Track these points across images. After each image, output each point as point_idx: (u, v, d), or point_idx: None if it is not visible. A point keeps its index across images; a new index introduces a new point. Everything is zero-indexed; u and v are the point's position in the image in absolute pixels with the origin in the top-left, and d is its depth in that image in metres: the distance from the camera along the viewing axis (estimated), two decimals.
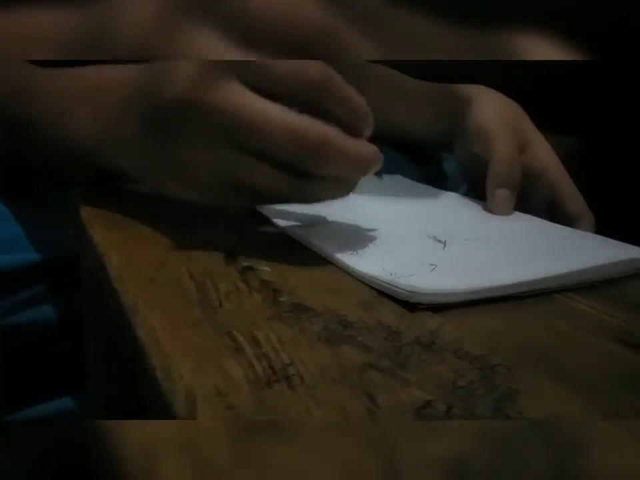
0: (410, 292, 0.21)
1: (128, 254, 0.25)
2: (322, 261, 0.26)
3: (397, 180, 0.45)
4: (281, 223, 0.30)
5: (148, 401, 0.17)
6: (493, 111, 0.39)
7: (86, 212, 0.32)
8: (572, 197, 0.38)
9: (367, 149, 0.25)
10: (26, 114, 0.33)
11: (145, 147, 0.28)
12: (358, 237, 0.28)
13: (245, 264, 0.25)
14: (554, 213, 0.38)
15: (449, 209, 0.37)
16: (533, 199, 0.38)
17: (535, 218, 0.35)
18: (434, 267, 0.24)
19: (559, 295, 0.25)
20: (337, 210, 0.35)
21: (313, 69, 0.24)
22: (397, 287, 0.22)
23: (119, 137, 0.29)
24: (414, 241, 0.28)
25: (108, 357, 0.30)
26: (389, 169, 0.48)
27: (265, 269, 0.24)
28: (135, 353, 0.19)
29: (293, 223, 0.30)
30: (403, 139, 0.50)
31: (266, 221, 0.31)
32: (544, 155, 0.39)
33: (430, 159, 0.51)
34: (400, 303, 0.22)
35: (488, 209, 0.36)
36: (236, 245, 0.27)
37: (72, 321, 0.36)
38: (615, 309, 0.24)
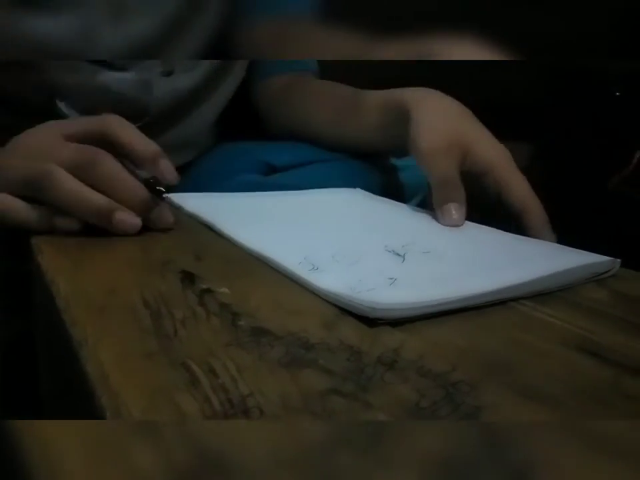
0: (370, 307, 0.21)
1: (77, 281, 0.24)
2: (283, 278, 0.26)
3: (356, 194, 0.45)
4: (240, 239, 0.30)
5: None
6: (429, 125, 0.39)
7: (35, 236, 0.31)
8: (518, 189, 0.37)
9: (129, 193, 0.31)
10: None
11: None
12: (318, 252, 0.27)
13: (203, 286, 0.24)
14: (503, 207, 0.38)
15: (407, 222, 0.37)
16: (483, 197, 0.38)
17: (490, 228, 0.35)
18: (393, 280, 0.24)
19: (517, 303, 0.25)
20: (295, 225, 0.34)
21: (103, 120, 0.32)
22: (358, 303, 0.21)
23: None
24: (373, 255, 0.28)
25: (61, 389, 0.28)
26: (347, 180, 0.49)
27: (224, 291, 0.23)
28: (84, 389, 0.17)
29: (251, 239, 0.29)
30: (356, 150, 0.50)
31: (225, 238, 0.31)
32: (489, 151, 0.39)
33: (386, 169, 0.51)
34: (362, 320, 0.21)
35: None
36: (193, 266, 0.26)
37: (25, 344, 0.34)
38: (573, 316, 0.24)
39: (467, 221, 0.37)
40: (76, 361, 0.18)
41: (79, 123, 0.32)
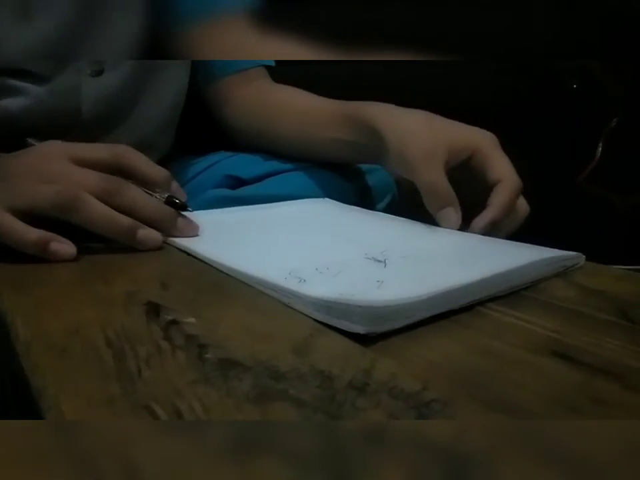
0: (368, 307, 0.21)
1: (38, 321, 0.23)
2: (253, 302, 0.25)
3: (324, 203, 0.45)
4: (217, 259, 0.29)
5: None
6: (405, 137, 0.39)
7: None
8: (499, 164, 0.38)
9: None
10: None
11: None
12: (301, 266, 0.27)
13: (169, 317, 0.23)
14: (481, 180, 0.38)
15: (380, 230, 0.37)
16: (472, 184, 0.38)
17: (458, 232, 0.36)
18: (381, 282, 0.24)
19: (487, 309, 0.25)
20: (271, 240, 0.34)
21: (117, 149, 0.34)
22: (355, 306, 0.21)
23: None
24: (355, 263, 0.28)
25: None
26: (316, 188, 0.48)
27: (190, 321, 0.23)
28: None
29: (230, 259, 0.29)
30: (323, 161, 0.50)
31: (192, 261, 0.30)
32: (470, 137, 0.39)
33: (353, 174, 0.51)
34: (335, 341, 0.21)
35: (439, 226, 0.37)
36: (159, 295, 0.26)
37: None
38: (543, 318, 0.24)
39: (436, 227, 0.37)
40: (37, 409, 0.18)
41: (88, 150, 0.34)
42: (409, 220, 0.39)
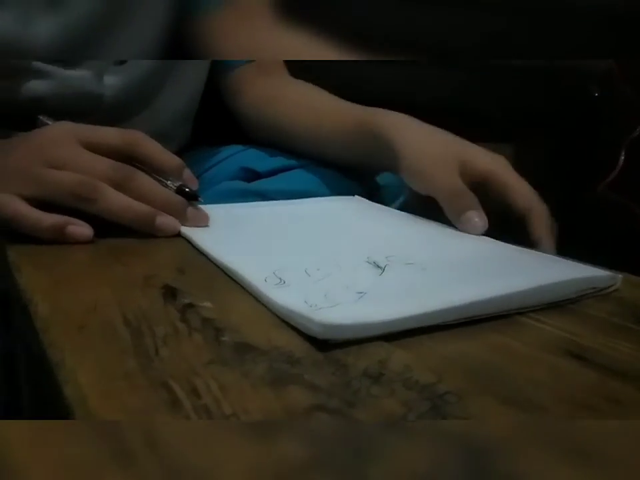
0: (319, 326, 0.20)
1: (57, 298, 0.23)
2: None
3: (353, 201, 0.45)
4: (212, 252, 0.29)
5: None
6: (419, 146, 0.39)
7: (13, 251, 0.30)
8: (521, 191, 0.37)
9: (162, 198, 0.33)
10: None
11: None
12: (290, 266, 0.26)
13: (185, 301, 0.23)
14: (507, 212, 0.38)
15: (398, 232, 0.36)
16: (485, 207, 0.37)
17: (488, 239, 0.34)
18: (361, 295, 0.23)
19: None
20: (278, 237, 0.34)
21: (129, 135, 0.34)
22: (310, 323, 0.20)
23: None
24: (350, 266, 0.27)
25: (43, 409, 0.28)
26: (330, 185, 0.48)
27: (207, 305, 0.23)
28: (64, 411, 0.17)
29: (222, 253, 0.28)
30: (333, 162, 0.50)
31: (200, 253, 0.30)
32: (485, 159, 0.39)
33: (363, 173, 0.51)
34: None
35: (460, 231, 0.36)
36: (176, 280, 0.26)
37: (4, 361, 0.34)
38: (558, 320, 0.24)
39: (466, 234, 0.35)
40: (55, 383, 0.18)
41: (100, 135, 0.34)
42: (438, 224, 0.37)
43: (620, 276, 0.29)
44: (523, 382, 0.19)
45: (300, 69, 0.56)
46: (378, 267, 0.27)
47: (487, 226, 0.35)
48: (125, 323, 0.21)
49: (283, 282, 0.25)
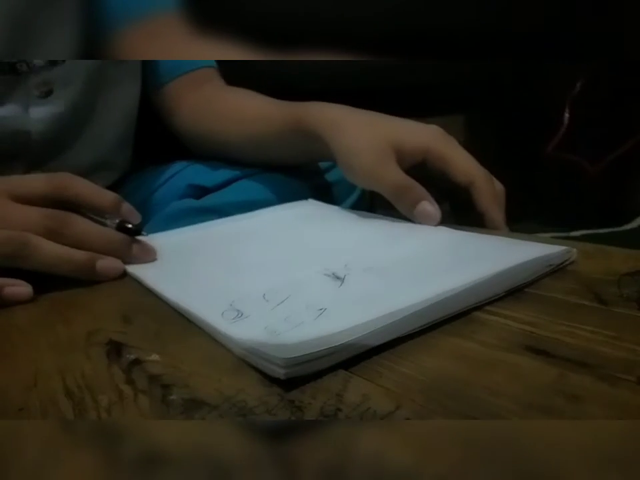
0: (279, 356, 0.19)
1: None
2: None
3: (306, 206, 0.43)
4: (161, 291, 0.28)
5: None
6: (352, 145, 0.37)
7: None
8: (461, 162, 0.36)
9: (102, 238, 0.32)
10: None
11: None
12: (247, 294, 0.25)
13: (131, 357, 0.22)
14: (450, 185, 0.37)
15: (355, 233, 0.35)
16: (431, 184, 0.37)
17: (440, 228, 0.34)
18: (322, 311, 0.23)
19: None
20: (227, 261, 0.32)
21: (57, 179, 0.32)
22: (269, 351, 0.19)
23: None
24: (309, 283, 0.26)
25: None
26: (280, 190, 0.47)
27: (154, 359, 0.22)
28: None
29: (172, 290, 0.27)
30: (279, 165, 0.49)
31: (151, 292, 0.29)
32: (418, 135, 0.38)
33: (314, 173, 0.50)
34: None
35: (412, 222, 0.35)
36: (121, 332, 0.24)
37: None
38: (516, 310, 0.24)
39: (414, 224, 0.35)
40: None
41: (26, 185, 0.32)
42: (391, 219, 0.37)
43: (574, 250, 0.28)
44: (484, 389, 0.18)
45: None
46: (337, 277, 0.27)
47: (440, 214, 0.35)
48: (67, 395, 0.20)
49: (240, 314, 0.24)
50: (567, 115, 0.76)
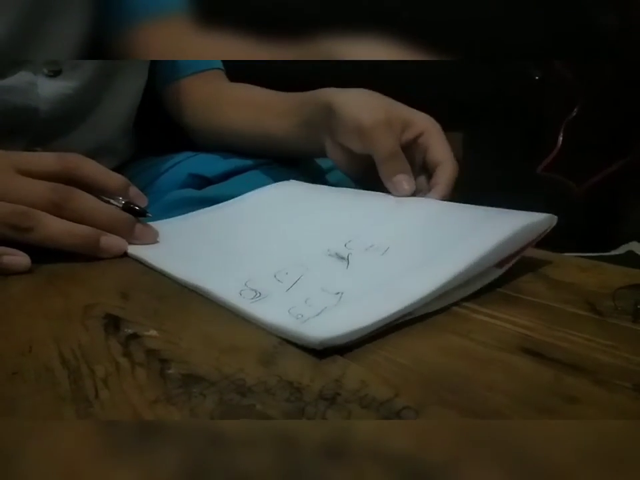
0: (315, 340, 0.20)
1: None
2: (218, 309, 0.24)
3: (290, 186, 0.44)
4: (172, 272, 0.28)
5: None
6: (361, 105, 0.39)
7: None
8: (439, 149, 0.40)
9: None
10: None
11: None
12: (258, 274, 0.26)
13: (129, 331, 0.22)
14: (425, 167, 0.40)
15: (346, 210, 0.36)
16: (413, 156, 0.40)
17: (429, 200, 0.36)
18: (340, 295, 0.23)
19: (456, 307, 0.24)
20: (231, 243, 0.33)
21: (67, 159, 0.32)
22: (304, 336, 0.20)
23: None
24: (316, 264, 0.27)
25: None
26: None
27: (152, 334, 0.22)
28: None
29: (184, 271, 0.27)
30: (281, 154, 0.49)
31: (152, 272, 0.29)
32: (422, 120, 0.40)
33: (315, 172, 0.50)
34: (304, 348, 0.21)
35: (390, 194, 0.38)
36: (119, 307, 0.24)
37: None
38: (512, 314, 0.24)
39: (400, 198, 0.37)
40: None
41: (37, 161, 0.32)
42: (377, 193, 0.38)
43: (555, 217, 0.29)
44: (481, 386, 0.18)
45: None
46: (341, 257, 0.27)
47: (413, 191, 0.38)
48: (63, 363, 0.20)
49: (258, 294, 0.24)
50: (561, 138, 0.77)
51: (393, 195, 0.38)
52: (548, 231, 0.29)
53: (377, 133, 0.38)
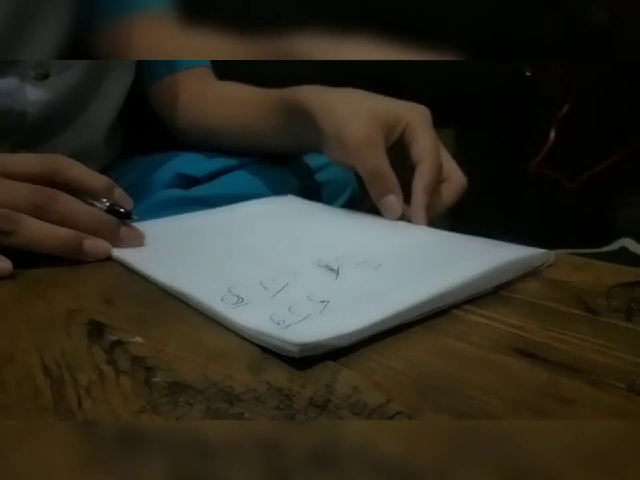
0: (294, 346, 0.19)
1: None
2: (203, 316, 0.23)
3: (287, 201, 0.43)
4: (155, 276, 0.27)
5: None
6: (343, 120, 0.37)
7: None
8: (423, 141, 0.37)
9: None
10: None
11: None
12: (244, 280, 0.25)
13: (113, 338, 0.21)
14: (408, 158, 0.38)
15: (340, 229, 0.36)
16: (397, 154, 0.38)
17: (420, 227, 0.35)
18: (325, 304, 0.23)
19: (449, 308, 0.24)
20: (219, 249, 0.32)
21: (50, 160, 0.31)
22: (282, 343, 0.19)
23: None
24: (304, 273, 0.26)
25: None
26: (268, 184, 0.47)
27: (137, 340, 0.21)
28: None
29: (167, 274, 0.27)
30: (267, 152, 0.48)
31: (137, 276, 0.28)
32: (407, 111, 0.38)
33: (304, 170, 0.50)
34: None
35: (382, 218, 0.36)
36: (103, 313, 0.24)
37: None
38: (507, 314, 0.24)
39: (399, 222, 0.36)
40: None
41: (19, 163, 0.31)
42: (373, 217, 0.37)
43: (552, 252, 0.29)
44: (474, 388, 0.18)
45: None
46: (331, 269, 0.27)
47: (401, 211, 0.36)
48: (45, 372, 0.19)
49: (241, 300, 0.23)
50: (552, 134, 0.77)
51: (383, 215, 0.37)
52: (545, 266, 0.29)
53: (361, 152, 0.36)
